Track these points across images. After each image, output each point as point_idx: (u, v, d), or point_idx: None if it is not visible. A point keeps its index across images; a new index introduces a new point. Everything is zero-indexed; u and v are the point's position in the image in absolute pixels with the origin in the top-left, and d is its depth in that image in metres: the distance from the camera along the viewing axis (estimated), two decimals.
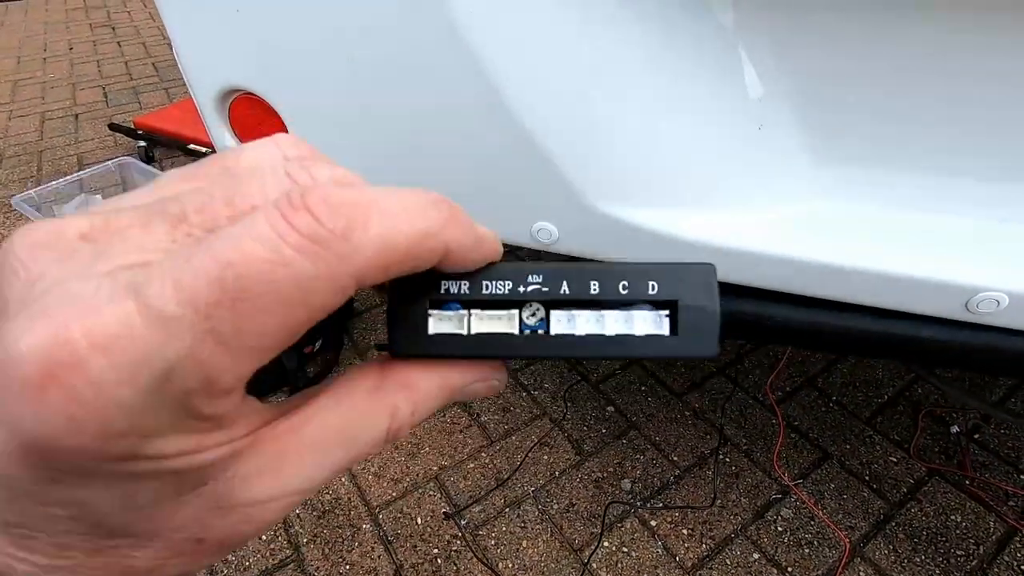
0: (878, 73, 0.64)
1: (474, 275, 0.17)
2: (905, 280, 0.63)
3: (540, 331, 0.17)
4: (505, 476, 1.19)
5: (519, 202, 0.75)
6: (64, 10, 4.43)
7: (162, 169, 2.22)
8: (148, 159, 2.31)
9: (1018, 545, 1.07)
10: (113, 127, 2.48)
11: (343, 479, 1.19)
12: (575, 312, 0.17)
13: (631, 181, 0.70)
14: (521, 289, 0.17)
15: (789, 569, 1.04)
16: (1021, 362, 0.69)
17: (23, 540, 0.13)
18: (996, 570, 1.03)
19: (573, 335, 0.17)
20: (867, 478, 1.18)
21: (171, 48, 0.76)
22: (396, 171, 0.77)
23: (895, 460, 1.21)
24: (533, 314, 0.17)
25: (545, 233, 0.76)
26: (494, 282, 0.17)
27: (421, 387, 0.17)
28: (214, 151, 0.88)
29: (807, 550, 1.07)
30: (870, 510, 1.12)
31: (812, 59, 0.65)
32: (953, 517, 1.11)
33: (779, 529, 1.10)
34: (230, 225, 0.12)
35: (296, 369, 1.32)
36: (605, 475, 1.20)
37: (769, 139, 0.67)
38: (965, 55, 0.60)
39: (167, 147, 2.36)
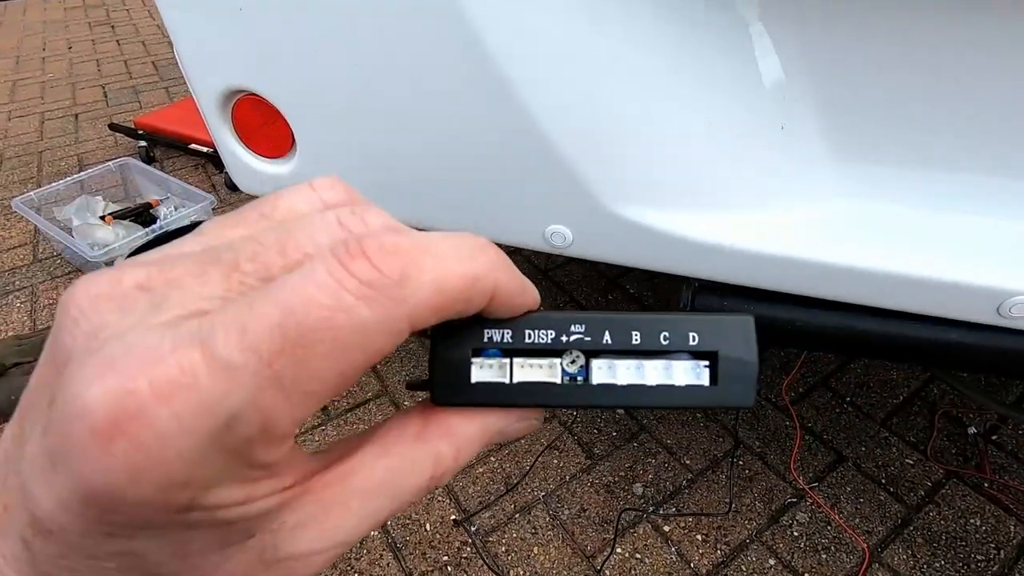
0: (905, 69, 0.61)
1: (516, 324, 0.17)
2: (933, 284, 0.61)
3: (580, 379, 0.17)
4: (515, 481, 1.17)
5: (532, 205, 0.72)
6: (62, 8, 4.40)
7: (163, 169, 2.20)
8: (149, 159, 2.29)
9: None
10: (113, 127, 2.46)
11: None
12: (616, 361, 0.17)
13: (649, 182, 0.68)
14: (564, 338, 0.17)
15: (806, 575, 1.02)
16: None
17: None
18: (1018, 575, 1.01)
19: (614, 384, 0.17)
20: (883, 481, 1.16)
21: (171, 47, 0.74)
22: (407, 173, 0.75)
23: (911, 462, 1.19)
24: (573, 362, 0.17)
25: (559, 237, 0.73)
26: (536, 331, 0.17)
27: (463, 433, 0.17)
28: (215, 151, 0.86)
29: (824, 555, 1.05)
30: (887, 514, 1.10)
31: (836, 55, 0.62)
32: (972, 521, 1.09)
33: (795, 534, 1.08)
34: (287, 273, 0.13)
35: None
36: (616, 479, 1.18)
37: (791, 138, 0.65)
38: (998, 50, 0.58)
39: (168, 147, 2.34)
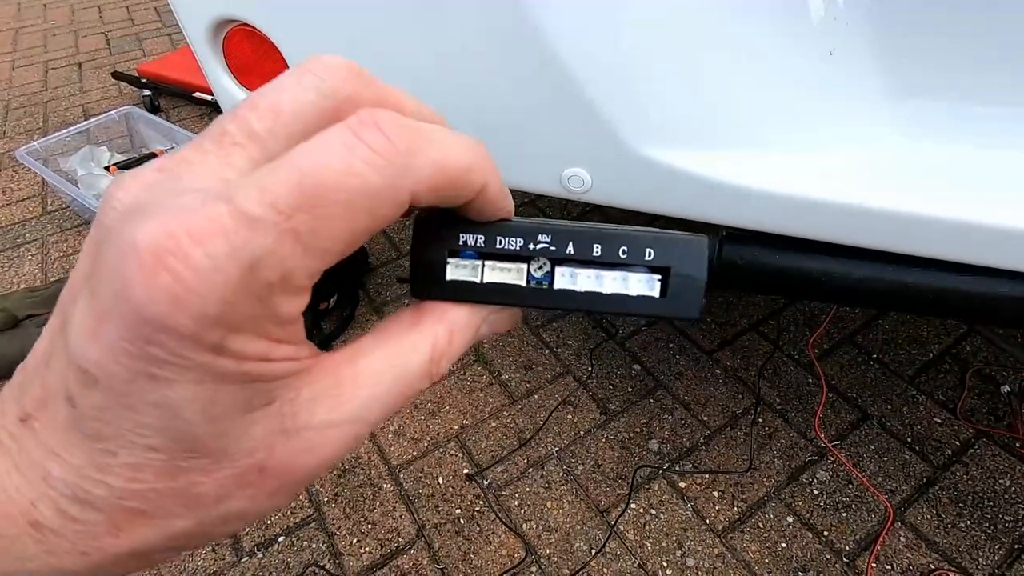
0: None
1: (489, 230, 0.18)
2: (994, 231, 0.55)
3: (545, 284, 0.19)
4: (528, 436, 1.16)
5: (549, 146, 0.67)
6: None
7: (168, 119, 2.14)
8: (154, 108, 2.23)
9: None
10: (117, 75, 2.39)
11: None
12: (578, 270, 0.19)
13: (677, 120, 0.62)
14: (531, 246, 0.19)
15: (825, 533, 1.00)
16: None
17: (102, 458, 0.14)
18: None
19: (574, 290, 0.19)
20: (909, 440, 1.12)
21: None
22: None
23: (939, 421, 1.15)
24: (540, 268, 0.19)
25: (577, 180, 0.68)
26: (507, 238, 0.18)
27: (454, 318, 0.19)
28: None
29: (844, 513, 1.02)
30: (912, 473, 1.07)
31: None
32: (1002, 481, 1.05)
33: (815, 492, 1.06)
34: (305, 142, 0.14)
35: (312, 325, 1.28)
36: (632, 435, 1.15)
37: (840, 68, 0.58)
38: None
39: (173, 95, 2.28)
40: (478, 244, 0.18)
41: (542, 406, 1.21)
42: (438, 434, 1.17)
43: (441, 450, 1.14)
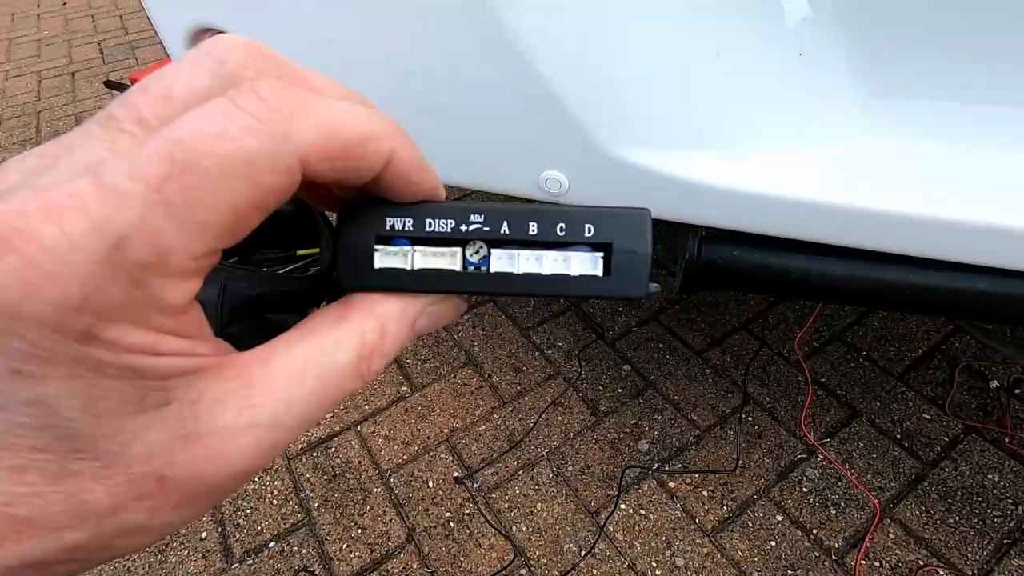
0: None
1: (418, 213, 0.17)
2: (970, 228, 0.55)
3: (483, 268, 0.18)
4: (518, 438, 1.16)
5: (526, 149, 0.67)
6: None
7: None
8: None
9: None
10: (109, 84, 2.40)
11: (352, 442, 1.17)
12: (516, 252, 0.18)
13: (651, 121, 0.62)
14: (463, 228, 0.17)
15: (814, 531, 1.00)
16: None
17: None
18: None
19: (513, 273, 0.18)
20: (898, 436, 1.12)
21: None
22: (398, 116, 0.70)
23: (928, 418, 1.15)
24: (476, 252, 0.18)
25: (554, 183, 0.68)
26: (437, 220, 0.17)
27: (384, 312, 0.17)
28: None
29: (833, 511, 1.03)
30: (901, 470, 1.07)
31: None
32: (990, 476, 1.05)
33: (804, 490, 1.06)
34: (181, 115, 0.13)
35: None
36: (621, 436, 1.16)
37: (811, 67, 0.58)
38: None
39: None
40: (406, 228, 0.17)
41: (532, 408, 1.21)
42: (428, 437, 1.17)
43: (431, 453, 1.14)
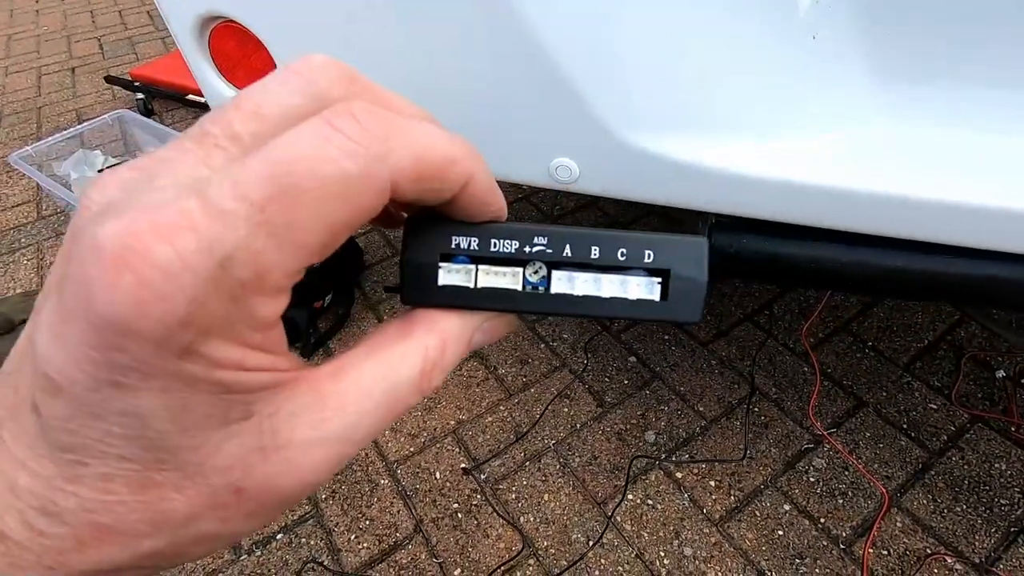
0: None
1: (483, 233, 0.18)
2: (981, 212, 0.55)
3: (541, 288, 0.18)
4: (524, 429, 1.16)
5: (536, 137, 0.67)
6: None
7: (162, 122, 2.14)
8: (147, 112, 2.23)
9: None
10: (110, 79, 2.39)
11: None
12: (575, 273, 0.18)
13: (662, 107, 0.62)
14: (527, 249, 0.18)
15: (822, 520, 1.00)
16: None
17: (73, 468, 0.13)
18: None
19: (572, 294, 0.18)
20: (905, 426, 1.12)
21: None
22: None
23: (935, 407, 1.15)
24: (536, 272, 0.18)
25: (564, 171, 0.68)
26: (502, 240, 0.18)
27: (446, 327, 0.18)
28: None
29: (841, 500, 1.03)
30: (908, 459, 1.08)
31: None
32: (997, 465, 1.06)
33: (811, 480, 1.06)
34: (279, 136, 0.13)
35: (307, 324, 1.28)
36: (628, 427, 1.16)
37: (824, 51, 0.58)
38: None
39: (166, 99, 2.28)
40: (471, 247, 0.18)
41: (538, 400, 1.21)
42: (435, 429, 1.17)
43: (438, 445, 1.15)
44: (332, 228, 0.13)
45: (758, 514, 1.02)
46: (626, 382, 1.23)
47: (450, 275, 0.18)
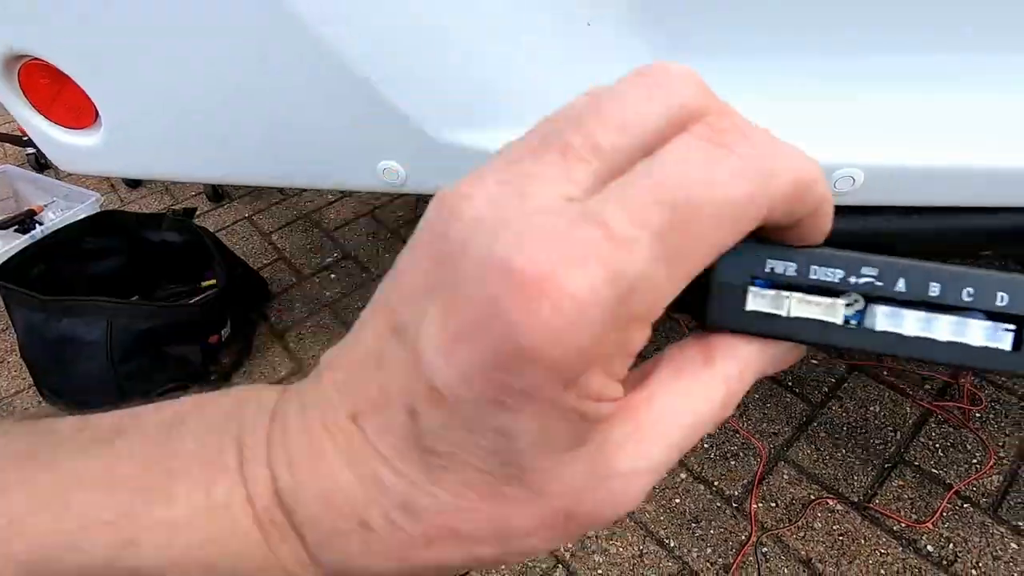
0: None
1: (803, 258, 0.16)
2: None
3: (853, 322, 0.16)
4: None
5: (358, 142, 0.69)
6: None
7: (57, 177, 2.07)
8: (41, 166, 2.16)
9: (933, 425, 1.09)
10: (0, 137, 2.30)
11: None
12: (903, 310, 0.16)
13: (469, 102, 0.65)
14: (852, 279, 0.16)
15: (715, 483, 1.04)
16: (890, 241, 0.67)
17: (436, 472, 0.14)
18: (912, 452, 1.05)
19: (900, 334, 0.16)
20: (790, 383, 1.19)
21: None
22: (224, 126, 0.70)
23: (816, 362, 1.22)
24: (851, 304, 0.16)
25: (392, 173, 0.70)
26: (824, 268, 0.16)
27: (745, 355, 0.16)
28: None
29: (733, 462, 1.07)
30: (793, 414, 1.13)
31: None
32: (872, 408, 1.13)
33: (704, 446, 1.10)
34: (658, 154, 0.13)
35: (202, 363, 1.25)
36: None
37: (599, 35, 0.62)
38: None
39: None
40: (788, 272, 0.16)
41: None
42: None
43: None
44: (714, 254, 0.13)
45: (655, 487, 1.05)
46: None
47: (759, 300, 0.16)
